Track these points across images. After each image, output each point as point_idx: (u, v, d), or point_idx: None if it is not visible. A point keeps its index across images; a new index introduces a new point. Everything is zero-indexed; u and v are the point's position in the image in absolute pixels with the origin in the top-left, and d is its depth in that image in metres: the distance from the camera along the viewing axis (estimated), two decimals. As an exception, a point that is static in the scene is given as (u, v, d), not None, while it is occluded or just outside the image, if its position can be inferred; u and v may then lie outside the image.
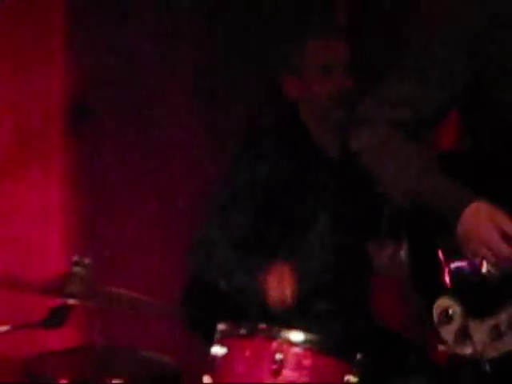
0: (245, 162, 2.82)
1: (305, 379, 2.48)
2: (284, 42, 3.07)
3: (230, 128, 3.54)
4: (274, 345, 2.51)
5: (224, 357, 2.56)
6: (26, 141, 3.05)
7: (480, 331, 2.12)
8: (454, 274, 2.12)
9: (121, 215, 3.57)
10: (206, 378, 2.54)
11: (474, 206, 2.04)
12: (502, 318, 2.09)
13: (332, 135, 2.82)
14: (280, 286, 2.67)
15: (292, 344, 2.49)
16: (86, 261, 2.66)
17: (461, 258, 2.10)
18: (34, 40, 3.12)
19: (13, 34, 3.23)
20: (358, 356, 2.45)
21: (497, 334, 2.10)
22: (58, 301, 2.62)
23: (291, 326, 2.54)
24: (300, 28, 3.28)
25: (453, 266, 2.13)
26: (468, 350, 2.10)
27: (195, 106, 3.56)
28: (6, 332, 2.64)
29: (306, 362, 2.50)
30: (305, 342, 2.51)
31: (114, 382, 2.69)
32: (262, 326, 2.58)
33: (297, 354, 2.49)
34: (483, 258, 2.05)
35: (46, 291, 2.66)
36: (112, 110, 3.44)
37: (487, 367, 2.09)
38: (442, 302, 2.14)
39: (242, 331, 2.60)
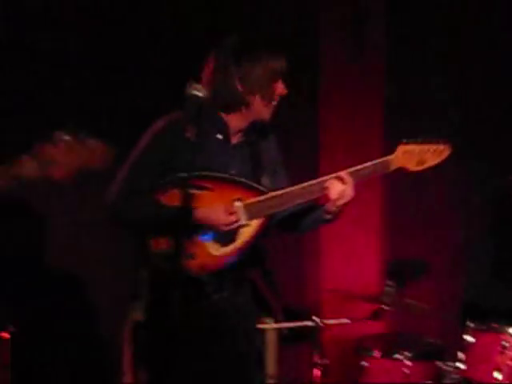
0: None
1: (521, 357, 3.81)
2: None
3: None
4: (502, 336, 3.83)
5: (472, 342, 3.91)
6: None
7: None
8: None
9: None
10: (459, 354, 3.92)
11: None
12: None
13: None
14: None
15: (513, 335, 3.84)
16: (393, 283, 4.06)
17: None
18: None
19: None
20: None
21: None
22: (376, 306, 4.11)
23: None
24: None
25: None
26: None
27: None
28: (347, 323, 4.15)
29: (524, 347, 3.81)
30: (522, 334, 3.82)
31: (405, 353, 4.04)
32: (495, 324, 3.89)
33: (516, 342, 3.83)
34: None
35: (370, 300, 4.17)
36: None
37: None
38: None
39: (483, 327, 3.92)
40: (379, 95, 4.82)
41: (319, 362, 4.12)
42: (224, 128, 3.11)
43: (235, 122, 3.12)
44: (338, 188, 3.07)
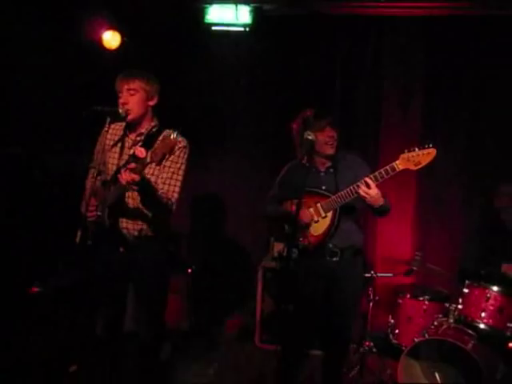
0: None
1: None
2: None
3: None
4: (486, 290, 4.69)
5: (467, 292, 4.81)
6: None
7: None
8: None
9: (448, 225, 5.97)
10: (459, 300, 4.80)
11: None
12: None
13: None
14: None
15: None
16: (420, 254, 5.21)
17: None
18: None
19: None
20: None
21: None
22: (409, 267, 5.15)
23: None
24: None
25: None
26: None
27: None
28: (391, 276, 5.20)
29: None
30: None
31: (425, 296, 5.01)
32: (481, 282, 4.76)
33: None
34: None
35: (406, 263, 5.20)
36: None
37: None
38: None
39: (474, 284, 4.82)
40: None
41: (372, 298, 5.21)
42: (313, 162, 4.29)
43: (317, 158, 4.33)
44: (365, 189, 3.92)
